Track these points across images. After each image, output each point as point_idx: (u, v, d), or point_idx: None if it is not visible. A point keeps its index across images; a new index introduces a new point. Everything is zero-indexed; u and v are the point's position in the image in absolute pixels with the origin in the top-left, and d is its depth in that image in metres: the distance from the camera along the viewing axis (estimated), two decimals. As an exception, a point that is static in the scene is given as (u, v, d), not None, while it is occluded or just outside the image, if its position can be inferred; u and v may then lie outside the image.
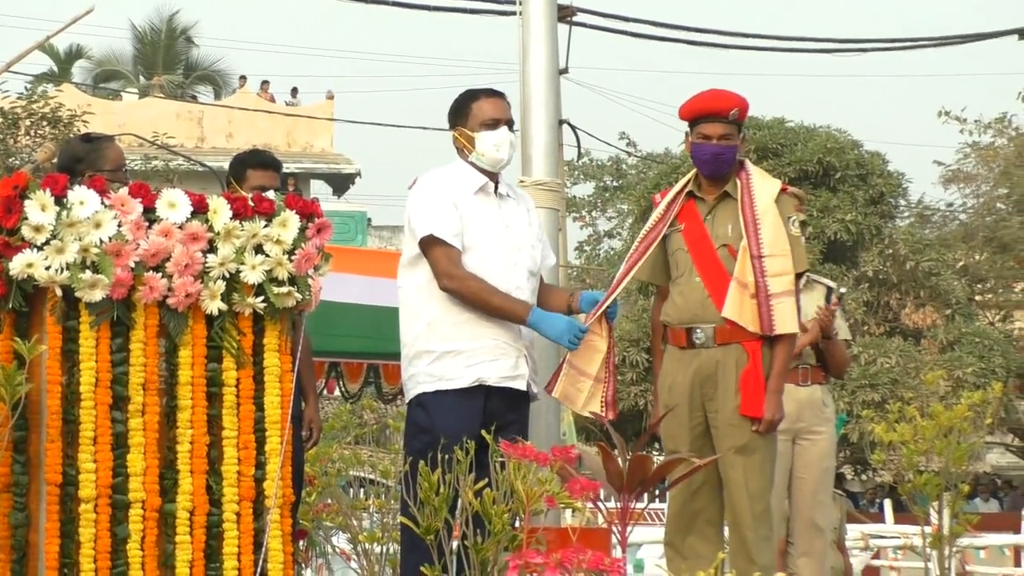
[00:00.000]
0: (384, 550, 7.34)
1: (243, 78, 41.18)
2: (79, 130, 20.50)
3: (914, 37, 29.57)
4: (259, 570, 4.77)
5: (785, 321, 5.67)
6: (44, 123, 20.92)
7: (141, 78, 43.37)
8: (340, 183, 40.27)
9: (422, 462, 4.86)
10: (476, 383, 5.65)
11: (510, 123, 5.87)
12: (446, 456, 4.82)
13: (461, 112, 5.84)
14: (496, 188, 5.83)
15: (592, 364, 5.68)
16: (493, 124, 5.78)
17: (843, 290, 7.47)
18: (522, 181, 6.09)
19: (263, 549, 4.77)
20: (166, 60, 43.20)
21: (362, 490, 8.12)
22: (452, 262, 5.62)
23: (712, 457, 5.18)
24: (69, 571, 4.54)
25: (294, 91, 40.97)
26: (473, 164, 5.79)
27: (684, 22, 24.81)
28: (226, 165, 6.40)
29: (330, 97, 39.96)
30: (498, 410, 5.64)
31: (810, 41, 27.99)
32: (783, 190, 5.90)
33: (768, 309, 5.68)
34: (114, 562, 4.59)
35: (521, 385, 5.70)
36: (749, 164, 5.93)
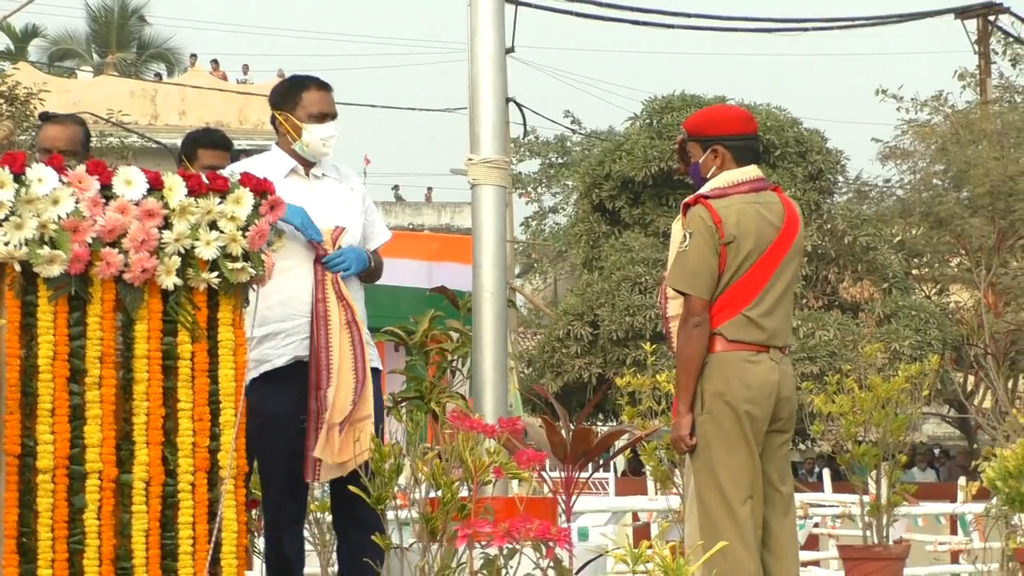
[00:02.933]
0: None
1: (193, 56, 41.30)
2: (35, 108, 20.45)
3: (853, 16, 29.87)
4: (213, 539, 4.86)
5: (675, 343, 5.85)
6: (1, 101, 20.85)
7: (95, 56, 43.22)
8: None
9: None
10: (294, 360, 5.80)
11: (335, 116, 5.98)
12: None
13: (288, 98, 5.94)
14: (307, 171, 5.95)
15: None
16: (321, 117, 5.89)
17: None
18: (470, 159, 6.19)
19: (217, 518, 4.87)
20: (119, 39, 43.15)
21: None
22: None
23: (654, 428, 5.33)
24: (27, 540, 4.62)
25: (245, 68, 41.04)
26: (293, 151, 5.92)
27: (628, 2, 24.89)
28: (179, 142, 6.49)
29: (281, 76, 39.93)
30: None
31: (751, 21, 28.32)
32: (684, 207, 5.99)
33: (668, 330, 5.91)
34: (71, 531, 4.67)
35: None
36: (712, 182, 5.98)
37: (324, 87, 5.96)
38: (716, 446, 5.69)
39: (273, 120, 5.98)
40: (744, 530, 5.59)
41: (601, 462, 5.31)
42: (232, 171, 5.11)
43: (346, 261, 5.80)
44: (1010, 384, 24.57)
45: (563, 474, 4.48)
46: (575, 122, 36.14)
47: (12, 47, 41.12)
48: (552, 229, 39.16)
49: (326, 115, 5.89)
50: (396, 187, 48.25)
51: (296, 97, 5.91)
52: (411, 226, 40.45)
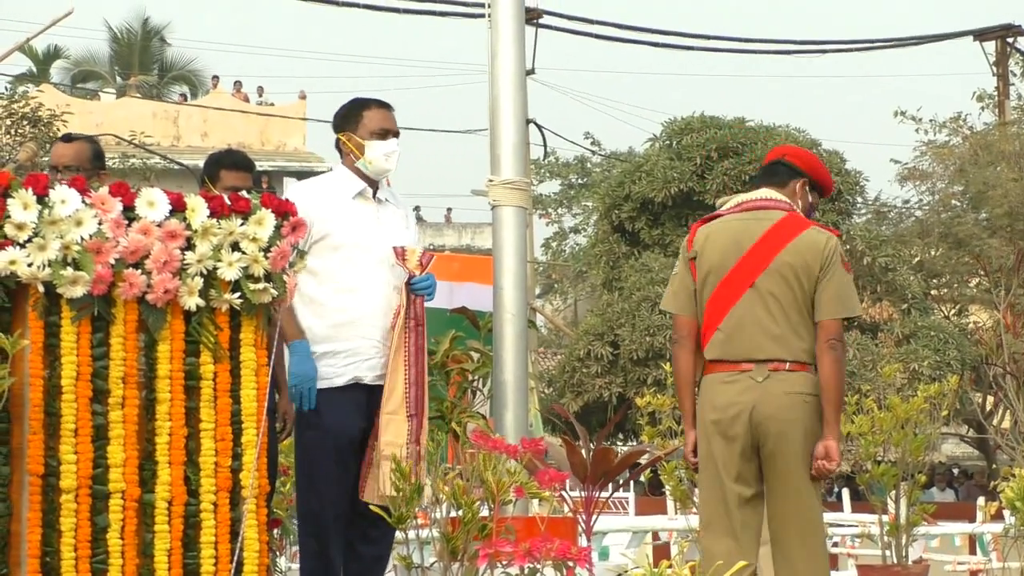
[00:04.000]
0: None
1: (216, 78, 41.47)
2: (59, 130, 20.55)
3: (872, 39, 29.93)
4: (235, 558, 4.89)
5: None
6: (24, 122, 20.96)
7: (118, 78, 43.47)
8: (313, 181, 40.56)
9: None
10: (352, 381, 5.88)
11: (397, 134, 6.08)
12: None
13: (350, 118, 6.07)
14: (375, 193, 6.04)
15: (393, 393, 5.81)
16: (383, 134, 6.00)
17: None
18: (491, 180, 6.23)
19: (239, 538, 4.90)
20: (142, 61, 43.38)
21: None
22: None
23: (673, 448, 5.34)
24: (51, 559, 4.65)
25: (260, 90, 41.20)
26: (357, 170, 6.00)
27: (648, 24, 25.00)
28: (201, 163, 6.55)
29: (302, 97, 40.28)
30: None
31: (771, 43, 28.34)
32: None
33: None
34: (94, 551, 4.70)
35: None
36: None
37: (385, 106, 6.11)
38: (700, 467, 5.73)
39: (337, 143, 6.11)
40: (707, 559, 5.53)
41: (621, 482, 5.33)
42: (297, 190, 5.23)
43: (432, 287, 5.87)
44: (1030, 404, 24.47)
45: (583, 494, 4.49)
46: (595, 143, 36.21)
47: (35, 69, 41.35)
48: (572, 250, 39.17)
49: (388, 132, 6.02)
50: (417, 208, 48.33)
51: (358, 117, 6.05)
52: (431, 247, 40.47)
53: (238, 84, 40.73)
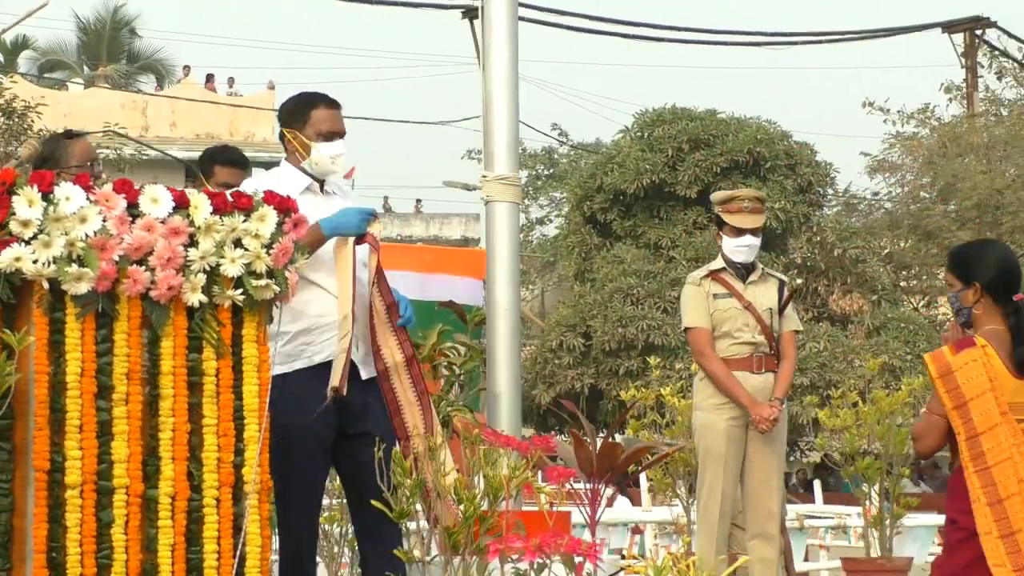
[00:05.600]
0: (343, 530, 7.52)
1: (187, 68, 41.36)
2: (32, 121, 20.42)
3: (841, 30, 29.92)
4: (238, 553, 4.92)
5: None
6: (-1, 114, 20.81)
7: (85, 68, 43.26)
8: (282, 172, 40.49)
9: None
10: (328, 359, 5.75)
11: (343, 135, 6.00)
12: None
13: (297, 115, 5.97)
14: (323, 187, 6.00)
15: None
16: (329, 136, 5.92)
17: (798, 281, 7.69)
18: (484, 176, 6.27)
19: (242, 533, 4.93)
20: (110, 51, 43.15)
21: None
22: None
23: (679, 445, 5.40)
24: (56, 554, 4.67)
25: (231, 81, 41.11)
26: (302, 169, 5.96)
27: (617, 15, 25.00)
28: (173, 153, 6.58)
29: (271, 87, 40.20)
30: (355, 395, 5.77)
31: (741, 34, 28.44)
32: None
33: None
34: (99, 546, 4.72)
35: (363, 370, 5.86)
36: None
37: (333, 105, 5.99)
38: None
39: (282, 137, 6.03)
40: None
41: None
42: (254, 188, 5.18)
43: (410, 315, 5.82)
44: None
45: (587, 487, 4.55)
46: (563, 134, 36.28)
47: (2, 59, 41.11)
48: (539, 240, 39.23)
49: (334, 133, 5.93)
50: (386, 198, 48.30)
51: (305, 115, 5.95)
52: (400, 237, 40.51)
53: (210, 77, 40.63)
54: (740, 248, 7.36)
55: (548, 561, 3.89)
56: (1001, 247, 5.84)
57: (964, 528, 5.20)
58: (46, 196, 4.72)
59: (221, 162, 6.44)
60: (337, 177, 6.08)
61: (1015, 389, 5.27)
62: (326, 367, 5.70)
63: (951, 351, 5.34)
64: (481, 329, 7.03)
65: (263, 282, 4.99)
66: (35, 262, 4.67)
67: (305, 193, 5.91)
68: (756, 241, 7.39)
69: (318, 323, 5.79)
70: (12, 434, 4.72)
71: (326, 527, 7.54)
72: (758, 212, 7.31)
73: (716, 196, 7.52)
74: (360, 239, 5.73)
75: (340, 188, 6.13)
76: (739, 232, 7.36)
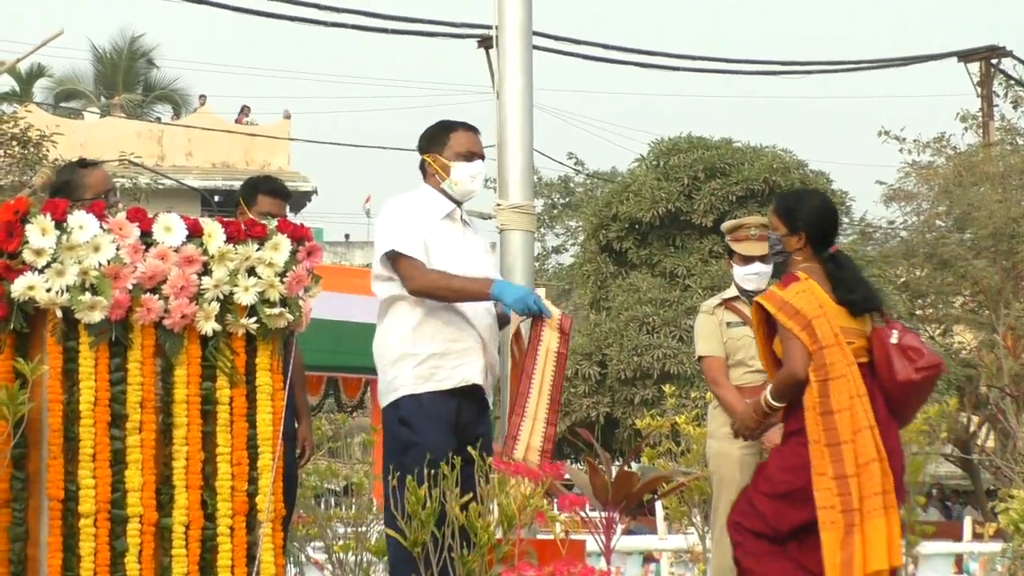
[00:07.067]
0: (357, 559, 7.51)
1: (203, 97, 41.52)
2: (47, 151, 20.46)
3: (857, 59, 29.93)
4: (251, 582, 4.92)
5: None
6: (13, 143, 20.84)
7: (101, 98, 43.44)
8: (297, 200, 40.58)
9: (409, 476, 5.03)
10: (462, 383, 5.84)
11: (483, 157, 6.09)
12: (430, 470, 5.00)
13: (436, 140, 6.04)
14: (461, 216, 6.04)
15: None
16: (469, 156, 5.99)
17: None
18: (499, 204, 6.27)
19: (256, 562, 4.93)
20: (125, 80, 43.34)
21: (332, 500, 8.29)
22: (414, 267, 5.85)
23: (695, 473, 5.40)
24: (70, 583, 4.69)
25: (247, 110, 41.28)
26: (443, 191, 5.99)
27: (633, 44, 25.09)
28: (189, 182, 6.62)
29: (287, 117, 40.30)
30: (469, 422, 5.85)
31: (757, 63, 28.50)
32: None
33: None
34: (113, 574, 4.73)
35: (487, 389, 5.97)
36: None
37: (472, 129, 6.09)
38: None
39: (422, 164, 6.09)
40: None
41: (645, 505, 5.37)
42: (400, 203, 5.37)
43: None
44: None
45: (602, 515, 4.54)
46: (578, 163, 36.31)
47: (18, 88, 41.26)
48: (555, 268, 39.28)
49: (474, 154, 6.02)
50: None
51: (444, 139, 6.03)
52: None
53: (245, 109, 40.86)
54: (750, 276, 7.34)
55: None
56: (825, 199, 6.40)
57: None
58: (59, 225, 4.74)
59: (264, 191, 6.50)
60: (474, 198, 6.13)
61: (836, 313, 5.87)
62: (454, 393, 5.84)
63: (779, 288, 5.92)
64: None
65: (277, 310, 5.00)
66: (48, 291, 4.69)
67: (445, 219, 5.97)
68: (766, 268, 7.37)
69: (450, 349, 5.88)
70: (26, 463, 4.73)
71: (340, 555, 7.53)
72: (765, 239, 7.30)
73: (725, 225, 7.53)
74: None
75: (471, 221, 6.17)
76: (747, 260, 7.34)
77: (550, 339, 5.81)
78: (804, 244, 6.02)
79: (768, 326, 6.00)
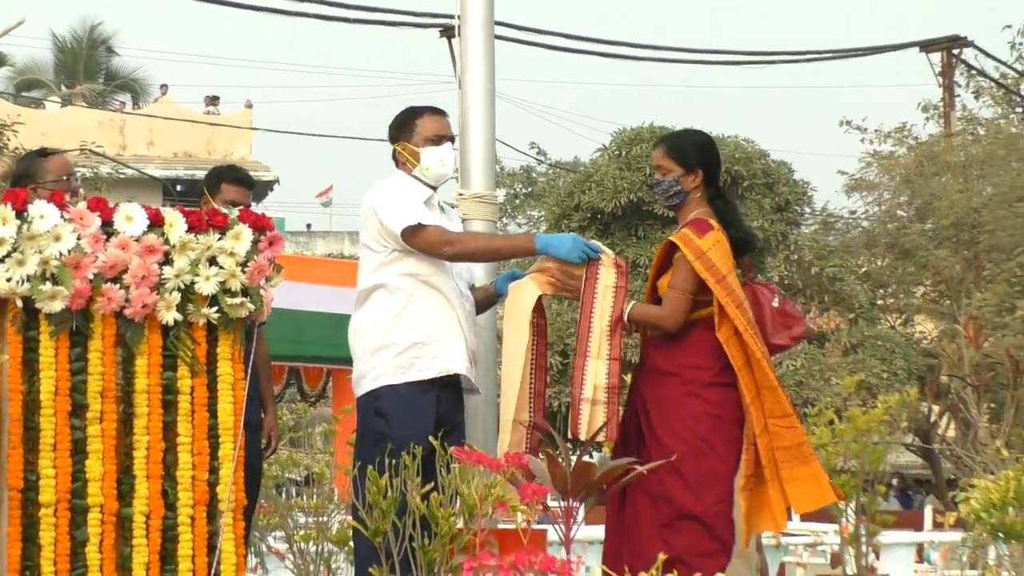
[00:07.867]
0: (319, 549, 7.50)
1: (164, 86, 41.37)
2: (8, 140, 20.36)
3: (819, 50, 30.02)
4: (212, 572, 4.92)
5: None
6: (-25, 134, 20.70)
7: (62, 87, 43.22)
8: (259, 190, 40.51)
9: (370, 467, 5.03)
10: (443, 373, 5.80)
11: (452, 139, 6.06)
12: (393, 461, 4.98)
13: (405, 127, 6.00)
14: (439, 203, 6.01)
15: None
16: (437, 140, 5.95)
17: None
18: (460, 194, 6.26)
19: (216, 552, 4.92)
20: (87, 69, 43.13)
21: (294, 490, 8.30)
22: (443, 233, 5.81)
23: (659, 462, 5.39)
24: (30, 574, 4.67)
25: (212, 100, 41.15)
26: (416, 178, 5.96)
27: (596, 34, 25.10)
28: (150, 171, 6.61)
29: (248, 106, 40.20)
30: (447, 411, 5.82)
31: (719, 53, 28.53)
32: None
33: None
34: (73, 564, 4.73)
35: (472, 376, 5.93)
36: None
37: (438, 112, 6.04)
38: None
39: (393, 154, 6.04)
40: None
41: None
42: (394, 184, 5.45)
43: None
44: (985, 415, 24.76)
45: (561, 505, 4.55)
46: (540, 153, 36.32)
47: (-24, 77, 41.08)
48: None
49: (443, 137, 5.98)
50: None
51: (411, 125, 5.99)
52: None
53: (215, 99, 40.69)
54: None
55: (522, 579, 3.90)
56: (709, 135, 6.30)
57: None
58: (20, 214, 4.72)
59: (228, 180, 6.49)
60: (448, 181, 6.09)
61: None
62: (435, 383, 5.77)
63: (695, 235, 5.86)
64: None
65: (238, 300, 4.99)
66: (8, 280, 4.67)
67: (426, 204, 5.90)
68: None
69: (432, 337, 5.81)
70: (-14, 453, 4.71)
71: (302, 545, 7.52)
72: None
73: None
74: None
75: (446, 207, 6.12)
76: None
77: (607, 276, 5.82)
78: (700, 182, 5.98)
79: (662, 263, 5.99)
